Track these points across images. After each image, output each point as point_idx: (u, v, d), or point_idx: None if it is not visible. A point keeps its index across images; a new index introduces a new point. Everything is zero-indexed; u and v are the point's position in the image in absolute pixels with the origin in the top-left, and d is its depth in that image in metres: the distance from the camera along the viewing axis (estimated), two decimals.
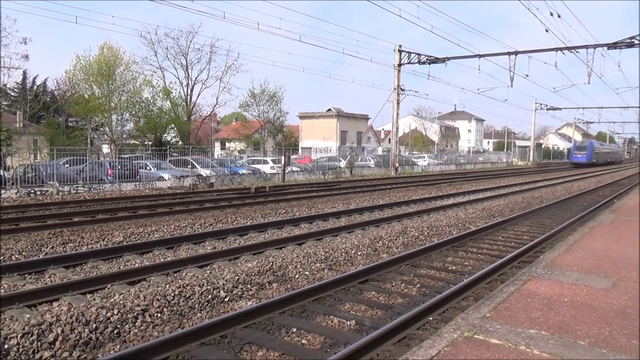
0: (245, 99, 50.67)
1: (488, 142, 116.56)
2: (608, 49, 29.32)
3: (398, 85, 35.84)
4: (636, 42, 27.73)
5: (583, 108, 67.80)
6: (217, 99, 48.61)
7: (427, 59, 34.65)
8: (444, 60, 33.96)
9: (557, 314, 4.72)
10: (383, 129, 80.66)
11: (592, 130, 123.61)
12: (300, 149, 52.75)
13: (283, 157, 29.42)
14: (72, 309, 5.69)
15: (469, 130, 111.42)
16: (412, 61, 35.19)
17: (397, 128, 37.91)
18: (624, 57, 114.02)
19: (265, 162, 34.32)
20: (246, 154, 46.12)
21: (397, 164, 37.15)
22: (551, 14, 22.27)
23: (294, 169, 32.73)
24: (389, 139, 54.53)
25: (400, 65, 35.53)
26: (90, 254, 8.67)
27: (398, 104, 36.29)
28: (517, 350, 3.84)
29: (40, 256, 8.82)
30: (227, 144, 63.33)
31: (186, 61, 44.26)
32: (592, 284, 5.80)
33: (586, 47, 29.26)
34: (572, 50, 29.59)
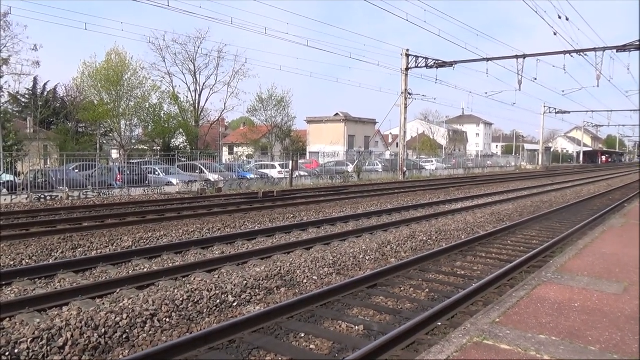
0: (253, 103, 50.93)
1: (496, 145, 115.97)
2: (617, 51, 29.11)
3: (406, 90, 35.81)
4: None
5: (592, 111, 67.28)
6: (225, 104, 48.81)
7: (434, 63, 34.60)
8: (451, 64, 33.89)
9: (567, 319, 4.68)
10: (391, 133, 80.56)
11: (602, 134, 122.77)
12: (307, 154, 52.79)
13: (291, 162, 29.48)
14: (82, 314, 5.72)
15: (477, 134, 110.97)
16: (419, 65, 35.16)
17: (405, 132, 37.86)
18: (634, 59, 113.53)
19: (273, 166, 34.41)
20: (254, 158, 46.26)
21: (404, 168, 37.06)
22: (559, 17, 22.22)
23: (302, 173, 32.77)
24: (397, 143, 54.44)
25: (407, 69, 35.52)
26: (100, 258, 8.72)
27: (406, 108, 36.26)
28: (527, 355, 3.80)
29: (50, 261, 8.88)
30: (235, 149, 63.54)
31: (194, 67, 44.59)
32: (603, 288, 5.74)
33: (595, 50, 29.07)
34: (581, 53, 29.43)
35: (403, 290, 7.38)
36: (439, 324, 5.72)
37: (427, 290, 7.36)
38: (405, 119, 36.90)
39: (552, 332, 4.30)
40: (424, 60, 34.89)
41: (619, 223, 11.32)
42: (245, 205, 17.54)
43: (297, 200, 19.42)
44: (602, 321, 4.63)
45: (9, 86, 37.60)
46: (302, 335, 5.53)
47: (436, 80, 35.96)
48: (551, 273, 6.43)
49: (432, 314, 5.81)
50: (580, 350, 3.93)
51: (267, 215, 15.04)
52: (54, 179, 21.19)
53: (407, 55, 35.50)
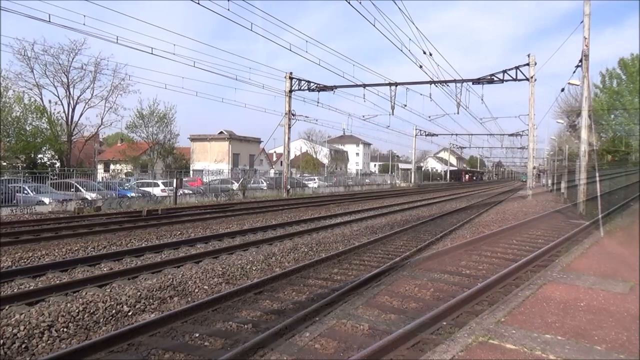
0: (133, 119, 49.21)
1: (374, 164, 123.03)
2: (473, 84, 33.27)
3: (289, 111, 37.31)
4: (495, 79, 31.91)
5: (456, 134, 74.40)
6: (102, 119, 46.49)
7: (316, 87, 36.53)
8: (332, 88, 36.04)
9: (573, 318, 4.72)
10: (275, 152, 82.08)
11: (465, 154, 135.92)
12: (191, 172, 52.09)
13: (175, 180, 29.23)
14: None
15: (357, 154, 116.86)
16: (302, 88, 36.90)
17: (289, 151, 39.28)
18: (487, 91, 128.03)
19: (155, 184, 33.68)
20: (134, 176, 44.59)
21: (288, 186, 38.35)
22: (424, 53, 25.11)
23: (186, 191, 32.54)
24: (281, 162, 55.88)
25: (291, 91, 37.10)
26: None
27: (289, 128, 37.71)
28: (532, 355, 3.80)
29: None
30: (112, 166, 60.44)
31: (67, 79, 42.07)
32: (608, 288, 5.75)
33: (455, 81, 32.94)
34: (443, 84, 33.11)
35: (287, 294, 8.25)
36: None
37: (308, 293, 8.30)
38: (289, 138, 38.33)
39: (557, 332, 4.34)
40: (307, 83, 36.73)
41: (626, 222, 11.43)
42: (129, 223, 17.34)
43: (183, 217, 19.54)
44: (608, 321, 4.70)
45: None
46: (197, 335, 6.13)
47: (318, 102, 37.98)
48: (557, 272, 6.41)
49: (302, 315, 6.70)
50: (586, 349, 3.98)
51: (154, 232, 15.12)
52: None
53: (291, 78, 37.11)
